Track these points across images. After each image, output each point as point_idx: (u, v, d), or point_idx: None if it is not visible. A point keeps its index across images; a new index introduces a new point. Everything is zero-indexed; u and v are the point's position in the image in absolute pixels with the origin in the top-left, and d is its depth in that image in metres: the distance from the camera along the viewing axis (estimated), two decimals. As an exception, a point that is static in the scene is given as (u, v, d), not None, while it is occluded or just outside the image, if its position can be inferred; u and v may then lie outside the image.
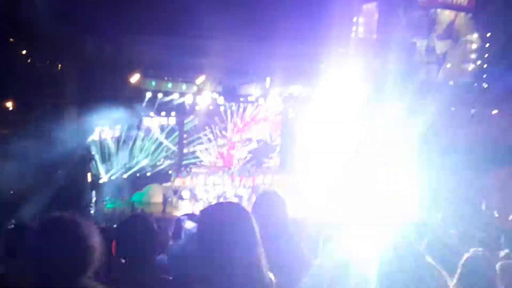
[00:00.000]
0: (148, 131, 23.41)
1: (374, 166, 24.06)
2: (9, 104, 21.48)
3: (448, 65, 39.47)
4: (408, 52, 23.54)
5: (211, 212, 1.92)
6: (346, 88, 22.76)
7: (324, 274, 2.93)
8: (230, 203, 2.09)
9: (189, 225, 4.16)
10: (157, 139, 23.84)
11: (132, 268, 2.53)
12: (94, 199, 20.02)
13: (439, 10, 39.55)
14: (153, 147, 23.69)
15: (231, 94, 23.90)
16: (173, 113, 23.85)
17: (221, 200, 20.53)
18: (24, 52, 21.79)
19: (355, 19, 39.56)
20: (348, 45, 22.42)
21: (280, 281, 2.41)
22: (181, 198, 20.88)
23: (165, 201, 19.49)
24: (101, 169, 21.27)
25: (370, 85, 22.50)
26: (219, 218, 1.83)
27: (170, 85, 22.59)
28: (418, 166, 21.46)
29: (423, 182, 20.49)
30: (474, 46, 39.95)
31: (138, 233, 2.60)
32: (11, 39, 20.81)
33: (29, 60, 22.21)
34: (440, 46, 39.92)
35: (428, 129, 25.02)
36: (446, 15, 40.04)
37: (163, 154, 24.13)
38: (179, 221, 4.70)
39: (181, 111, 24.27)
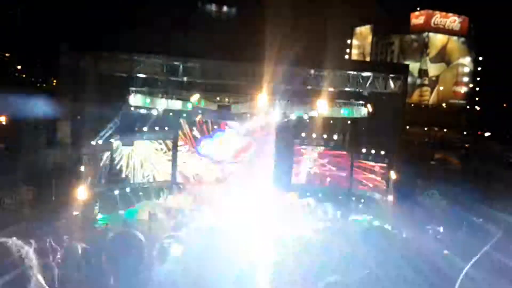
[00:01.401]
0: (142, 146, 23.35)
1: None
2: (2, 119, 21.48)
3: (441, 88, 40.02)
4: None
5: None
6: (338, 110, 22.90)
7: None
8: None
9: (175, 249, 4.04)
10: (151, 155, 23.76)
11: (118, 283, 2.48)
12: (86, 215, 19.81)
13: (431, 34, 40.34)
14: (147, 164, 23.60)
15: (225, 111, 23.96)
16: (167, 129, 23.85)
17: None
18: (19, 67, 21.89)
19: (348, 41, 40.19)
20: (342, 67, 22.55)
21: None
22: (171, 215, 20.68)
23: (151, 219, 19.30)
24: (95, 184, 21.12)
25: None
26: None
27: (165, 102, 22.61)
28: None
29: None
30: (466, 69, 40.62)
31: (126, 249, 2.55)
32: (6, 54, 20.91)
33: (24, 76, 22.30)
34: (433, 69, 40.52)
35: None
36: (438, 39, 40.77)
37: (157, 170, 24.03)
38: (162, 245, 4.56)
39: (175, 128, 24.28)
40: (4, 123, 22.14)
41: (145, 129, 22.99)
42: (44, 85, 22.36)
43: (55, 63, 19.99)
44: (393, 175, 22.30)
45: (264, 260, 2.46)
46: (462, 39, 40.36)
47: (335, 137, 24.34)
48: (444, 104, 38.65)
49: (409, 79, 36.69)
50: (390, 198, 22.44)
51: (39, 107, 20.62)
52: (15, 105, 20.42)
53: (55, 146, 19.73)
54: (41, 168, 18.65)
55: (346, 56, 39.67)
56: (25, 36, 20.54)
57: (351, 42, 41.26)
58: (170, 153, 24.50)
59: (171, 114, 23.21)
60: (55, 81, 21.62)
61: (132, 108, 21.65)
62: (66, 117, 20.30)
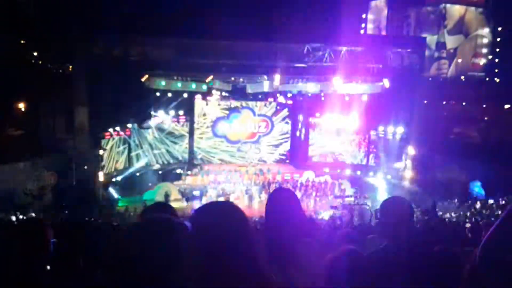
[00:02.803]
0: (158, 130, 23.58)
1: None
2: (21, 106, 21.75)
3: (459, 60, 39.17)
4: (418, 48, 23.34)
5: (203, 212, 1.85)
6: (354, 85, 22.71)
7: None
8: (224, 202, 2.02)
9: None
10: (167, 137, 23.98)
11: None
12: (106, 198, 20.20)
13: (448, 5, 39.30)
14: (163, 146, 23.83)
15: (240, 92, 23.99)
16: (182, 112, 23.98)
17: (231, 196, 20.61)
18: (35, 53, 22.06)
19: (364, 15, 39.51)
20: (357, 42, 22.23)
21: (293, 279, 2.43)
22: (189, 196, 20.85)
23: (166, 200, 19.52)
24: (113, 168, 21.45)
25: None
26: (211, 219, 1.78)
27: (179, 84, 22.71)
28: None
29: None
30: (485, 40, 39.63)
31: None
32: (22, 41, 21.07)
33: (40, 62, 22.49)
34: (451, 41, 39.62)
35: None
36: (456, 10, 39.74)
37: (174, 152, 24.27)
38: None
39: (191, 109, 24.42)
40: (23, 109, 22.45)
41: (161, 111, 23.17)
42: (61, 71, 22.57)
43: (70, 49, 20.12)
44: (411, 150, 22.13)
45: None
46: (480, 9, 39.26)
47: (352, 114, 24.12)
48: (462, 77, 37.86)
49: (427, 52, 36.00)
50: (409, 173, 22.31)
51: (57, 93, 20.87)
52: (34, 92, 20.68)
53: (73, 131, 20.01)
54: (60, 153, 18.97)
55: (362, 31, 39.02)
56: (39, 22, 20.64)
57: (366, 16, 40.55)
58: (187, 134, 24.71)
59: (185, 95, 23.33)
60: (71, 67, 21.76)
61: (148, 91, 21.80)
62: (84, 102, 20.52)
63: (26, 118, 21.59)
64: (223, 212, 1.82)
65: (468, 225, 10.13)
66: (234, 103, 25.16)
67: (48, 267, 2.56)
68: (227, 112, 25.24)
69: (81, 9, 19.78)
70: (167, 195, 19.84)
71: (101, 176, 20.06)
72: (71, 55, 20.74)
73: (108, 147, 21.12)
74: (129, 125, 22.03)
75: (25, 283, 2.32)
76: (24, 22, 20.09)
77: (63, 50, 20.89)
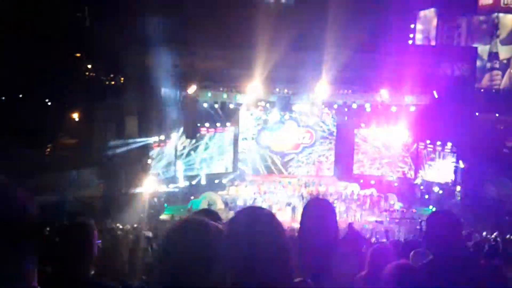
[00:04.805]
0: (205, 140, 23.94)
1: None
2: (75, 115, 22.76)
3: (513, 71, 37.64)
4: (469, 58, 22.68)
5: (239, 216, 1.90)
6: (401, 97, 22.27)
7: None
8: (259, 208, 2.03)
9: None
10: (213, 147, 24.29)
11: None
12: (153, 206, 20.67)
13: (501, 14, 37.88)
14: (209, 156, 24.15)
15: (284, 103, 24.02)
16: (228, 123, 24.26)
17: (274, 207, 20.56)
18: (89, 66, 23.07)
19: (412, 25, 38.73)
20: (405, 53, 21.86)
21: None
22: (232, 206, 20.97)
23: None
24: (160, 176, 21.92)
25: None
26: (244, 222, 1.83)
27: (225, 95, 23.06)
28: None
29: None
30: (541, 50, 37.87)
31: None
32: (78, 54, 22.05)
33: (94, 74, 23.51)
34: (504, 51, 38.12)
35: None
36: (509, 19, 38.22)
37: (219, 162, 24.54)
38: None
39: (236, 120, 24.67)
40: (77, 119, 23.45)
41: (207, 123, 23.55)
42: (113, 82, 23.45)
43: (121, 61, 20.88)
44: (461, 164, 21.43)
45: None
46: (535, 18, 37.69)
47: (399, 125, 23.63)
48: (517, 88, 36.32)
49: (478, 63, 34.82)
50: (459, 188, 21.59)
51: (109, 103, 21.68)
52: (87, 102, 21.55)
53: (123, 140, 20.68)
54: (110, 161, 19.61)
55: (410, 41, 38.28)
56: (94, 36, 21.53)
57: (415, 26, 39.75)
58: (232, 144, 24.95)
59: (231, 106, 23.63)
60: (122, 78, 22.58)
61: (195, 102, 22.25)
62: (134, 112, 21.20)
63: (79, 127, 22.52)
64: (257, 217, 1.86)
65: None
66: (278, 114, 25.19)
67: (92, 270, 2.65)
68: (271, 122, 25.31)
69: (132, 22, 20.50)
70: (210, 204, 20.08)
71: (148, 184, 20.56)
72: (122, 67, 21.54)
73: (156, 156, 21.64)
74: (176, 135, 22.48)
75: (70, 283, 2.43)
76: (80, 36, 21.00)
77: (115, 63, 21.70)
